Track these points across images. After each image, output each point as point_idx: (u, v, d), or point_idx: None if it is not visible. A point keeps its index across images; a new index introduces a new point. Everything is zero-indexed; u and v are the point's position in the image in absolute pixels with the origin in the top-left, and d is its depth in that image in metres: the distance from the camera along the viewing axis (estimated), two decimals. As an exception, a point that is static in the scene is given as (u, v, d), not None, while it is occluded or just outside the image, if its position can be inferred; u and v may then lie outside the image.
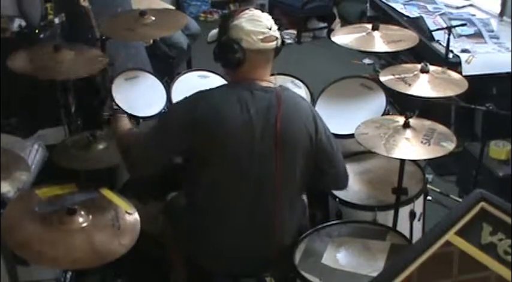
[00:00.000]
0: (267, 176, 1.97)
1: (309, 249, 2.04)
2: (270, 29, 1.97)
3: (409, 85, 2.46)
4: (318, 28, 5.95)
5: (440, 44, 3.62)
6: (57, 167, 2.30)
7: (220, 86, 2.06)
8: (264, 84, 2.01)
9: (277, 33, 1.99)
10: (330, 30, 5.64)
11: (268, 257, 2.05)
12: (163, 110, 2.70)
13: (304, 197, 2.31)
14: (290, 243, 2.06)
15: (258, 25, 1.96)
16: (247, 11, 1.99)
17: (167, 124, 1.99)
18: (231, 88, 2.02)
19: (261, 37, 1.94)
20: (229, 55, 1.94)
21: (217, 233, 2.06)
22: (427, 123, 2.17)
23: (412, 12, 4.16)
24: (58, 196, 1.97)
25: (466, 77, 2.66)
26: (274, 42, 1.98)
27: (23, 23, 3.20)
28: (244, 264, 2.08)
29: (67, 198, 1.94)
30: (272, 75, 2.69)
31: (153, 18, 2.66)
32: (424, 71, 2.52)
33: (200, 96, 1.99)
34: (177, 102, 2.09)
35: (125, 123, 2.21)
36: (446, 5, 4.25)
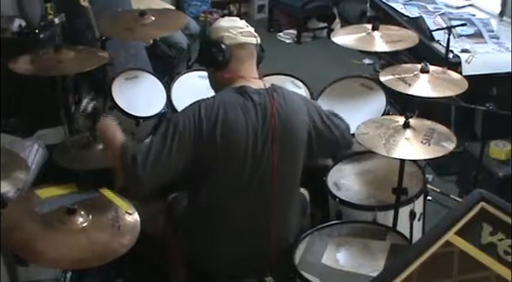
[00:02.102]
0: (266, 176, 1.98)
1: (309, 249, 2.04)
2: (247, 26, 2.07)
3: (409, 85, 2.46)
4: (318, 28, 5.95)
5: (440, 44, 3.62)
6: (57, 167, 2.30)
7: (217, 95, 2.04)
8: (255, 85, 2.02)
9: (255, 33, 2.08)
10: (330, 30, 5.64)
11: (268, 258, 2.05)
12: (163, 110, 2.70)
13: (306, 195, 2.32)
14: (290, 243, 2.06)
15: (235, 22, 2.06)
16: (221, 19, 2.11)
17: (173, 140, 1.89)
18: (228, 96, 2.00)
19: (240, 31, 2.03)
20: (214, 54, 2.00)
21: (218, 233, 2.06)
22: (427, 123, 2.17)
23: (412, 12, 4.16)
24: (58, 196, 1.97)
25: (466, 77, 2.66)
26: (254, 39, 2.06)
27: (23, 23, 3.21)
28: (245, 265, 2.08)
29: (67, 198, 1.94)
30: (272, 75, 2.72)
31: (153, 18, 2.66)
32: (424, 71, 2.52)
33: (200, 107, 1.95)
34: (178, 117, 1.96)
35: (117, 133, 1.99)
36: (446, 5, 4.25)
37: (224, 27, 2.03)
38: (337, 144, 2.19)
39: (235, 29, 2.02)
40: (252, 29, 2.08)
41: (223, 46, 1.99)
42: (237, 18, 2.11)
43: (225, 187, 2.00)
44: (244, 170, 1.96)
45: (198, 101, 1.99)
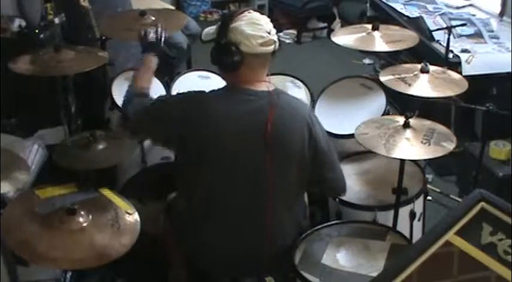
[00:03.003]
0: (261, 178, 1.97)
1: (309, 249, 2.04)
2: (269, 33, 1.97)
3: (409, 85, 2.46)
4: (318, 28, 5.95)
5: (440, 44, 3.62)
6: (57, 167, 2.30)
7: (216, 91, 2.05)
8: (259, 88, 2.00)
9: (275, 37, 1.99)
10: (330, 30, 5.64)
11: (268, 258, 2.05)
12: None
13: (305, 197, 2.31)
14: (289, 243, 2.06)
15: (258, 29, 1.94)
16: (246, 13, 1.97)
17: (162, 108, 2.05)
18: (226, 94, 2.01)
19: (260, 41, 1.94)
20: (227, 58, 1.94)
21: (215, 234, 2.06)
22: (427, 123, 2.17)
23: (412, 12, 4.16)
24: (58, 196, 1.97)
25: (466, 77, 2.66)
26: (272, 46, 1.98)
27: (23, 23, 3.21)
28: (244, 265, 2.08)
29: (67, 198, 1.94)
30: (272, 75, 2.71)
31: (153, 18, 2.66)
32: (424, 71, 2.52)
33: (195, 96, 2.01)
34: (176, 95, 2.16)
35: (148, 77, 2.21)
36: (446, 5, 4.26)
37: (245, 34, 1.92)
38: (331, 166, 2.12)
39: (256, 38, 1.92)
40: (274, 35, 1.98)
41: (236, 53, 1.92)
42: (262, 19, 1.97)
43: (217, 186, 2.00)
44: (236, 168, 1.95)
45: (197, 91, 2.03)
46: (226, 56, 1.94)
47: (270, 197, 1.99)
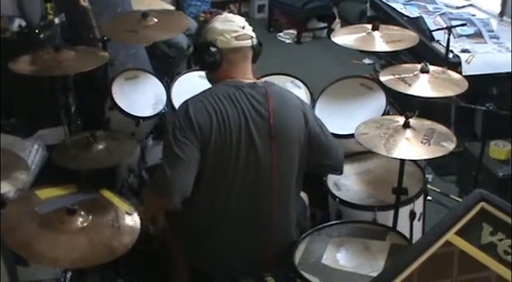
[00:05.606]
0: (265, 172, 1.98)
1: (309, 249, 2.04)
2: (243, 27, 2.05)
3: (409, 85, 2.47)
4: (318, 28, 5.95)
5: (440, 44, 3.62)
6: (57, 167, 2.30)
7: (206, 90, 2.07)
8: (248, 81, 2.04)
9: (251, 33, 2.07)
10: (330, 30, 5.64)
11: (268, 257, 2.05)
12: (163, 110, 2.71)
13: (305, 198, 2.31)
14: (290, 243, 2.06)
15: (231, 25, 2.04)
16: (219, 16, 2.09)
17: (173, 146, 1.92)
18: (218, 88, 2.03)
19: (234, 35, 2.02)
20: (206, 57, 2.01)
21: (216, 234, 2.06)
22: (427, 123, 2.17)
23: (412, 12, 4.16)
24: (58, 196, 1.97)
25: (466, 77, 2.66)
26: (249, 41, 2.05)
27: (23, 23, 3.21)
28: (244, 265, 2.08)
29: (67, 198, 1.95)
30: (272, 75, 2.72)
31: (156, 20, 2.65)
32: (424, 71, 2.52)
33: (187, 103, 1.99)
34: (170, 121, 2.02)
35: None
36: (446, 5, 4.26)
37: (218, 30, 2.02)
38: (328, 150, 2.14)
39: (230, 32, 2.01)
40: (249, 30, 2.06)
41: (214, 50, 2.00)
42: (235, 17, 2.09)
43: (220, 184, 1.99)
44: (240, 164, 1.95)
45: (186, 100, 2.02)
46: (205, 54, 2.01)
47: (275, 195, 2.00)
